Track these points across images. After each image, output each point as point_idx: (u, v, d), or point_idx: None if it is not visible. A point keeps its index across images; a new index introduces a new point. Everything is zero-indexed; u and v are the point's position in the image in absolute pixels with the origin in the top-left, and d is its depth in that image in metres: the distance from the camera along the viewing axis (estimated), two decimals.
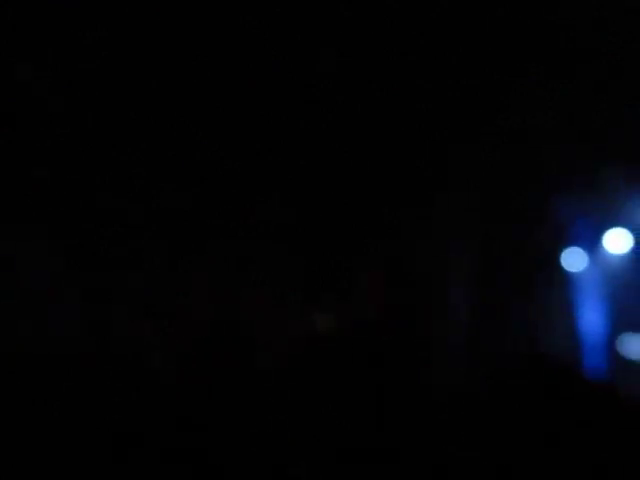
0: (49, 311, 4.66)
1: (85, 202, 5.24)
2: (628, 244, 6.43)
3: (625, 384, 5.98)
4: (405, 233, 6.43)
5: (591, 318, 6.48)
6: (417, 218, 6.45)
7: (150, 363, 3.33)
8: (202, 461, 2.18)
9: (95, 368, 3.00)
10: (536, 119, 5.69)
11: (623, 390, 2.97)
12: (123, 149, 5.30)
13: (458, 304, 6.49)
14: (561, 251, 6.60)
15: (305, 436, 2.18)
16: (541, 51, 5.39)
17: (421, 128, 5.99)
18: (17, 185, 5.08)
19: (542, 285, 6.55)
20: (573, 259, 6.60)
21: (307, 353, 2.57)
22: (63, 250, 5.00)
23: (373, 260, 6.58)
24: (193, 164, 5.70)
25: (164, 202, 5.46)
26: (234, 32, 5.22)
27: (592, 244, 6.55)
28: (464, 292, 6.54)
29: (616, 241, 6.47)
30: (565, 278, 6.63)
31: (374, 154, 6.36)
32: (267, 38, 5.27)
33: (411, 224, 6.45)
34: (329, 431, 2.13)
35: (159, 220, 5.44)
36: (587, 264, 6.57)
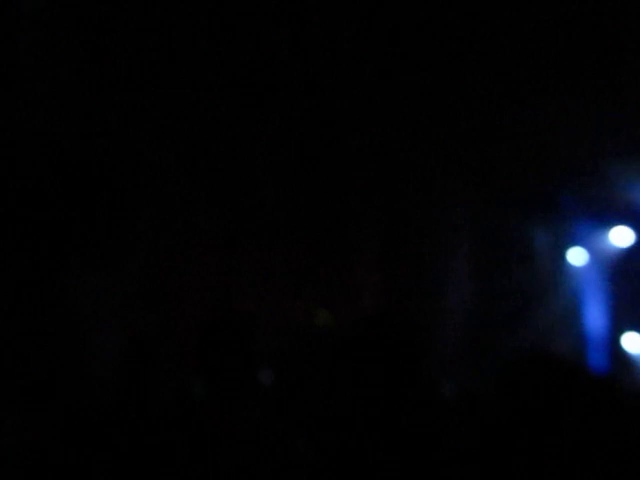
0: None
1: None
2: (633, 239, 6.40)
3: (631, 381, 5.94)
4: (408, 230, 6.40)
5: (596, 314, 6.44)
6: (421, 215, 6.42)
7: (151, 357, 3.26)
8: (200, 459, 2.11)
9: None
10: (542, 115, 5.64)
11: (629, 387, 2.92)
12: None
13: (462, 301, 6.45)
14: (567, 246, 6.58)
15: (304, 434, 2.10)
16: (546, 47, 5.33)
17: (425, 123, 5.95)
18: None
19: (548, 280, 6.52)
20: (579, 254, 6.57)
21: (306, 349, 2.51)
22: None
23: (376, 256, 6.54)
24: (196, 154, 5.64)
25: (165, 197, 5.40)
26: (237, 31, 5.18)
27: (597, 239, 6.52)
28: (468, 288, 6.50)
29: (621, 236, 6.43)
30: (571, 273, 6.60)
31: (377, 150, 6.33)
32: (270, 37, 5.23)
33: (415, 221, 6.41)
34: (328, 430, 2.06)
35: (160, 213, 5.38)
36: (592, 259, 6.54)
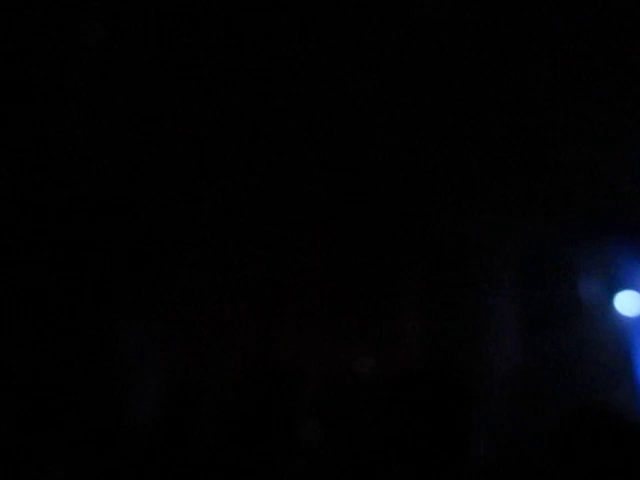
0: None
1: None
2: None
3: None
4: (454, 278, 6.33)
5: None
6: (467, 263, 6.35)
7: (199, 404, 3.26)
8: None
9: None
10: (589, 155, 5.56)
11: None
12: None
13: (511, 351, 6.33)
14: (615, 294, 6.44)
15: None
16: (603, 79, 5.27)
17: (470, 159, 5.90)
18: None
19: (596, 330, 6.38)
20: (628, 303, 6.43)
21: (351, 401, 2.46)
22: None
23: (422, 304, 6.47)
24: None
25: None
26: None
27: None
28: (517, 338, 6.39)
29: None
30: (620, 323, 6.45)
31: (422, 192, 6.29)
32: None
33: (461, 269, 6.35)
34: (361, 475, 2.01)
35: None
36: None
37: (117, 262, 4.78)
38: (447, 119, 5.47)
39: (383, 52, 4.71)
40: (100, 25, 4.09)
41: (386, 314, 6.35)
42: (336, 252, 6.16)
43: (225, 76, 4.92)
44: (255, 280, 5.82)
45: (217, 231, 5.62)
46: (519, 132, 5.56)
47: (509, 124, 5.59)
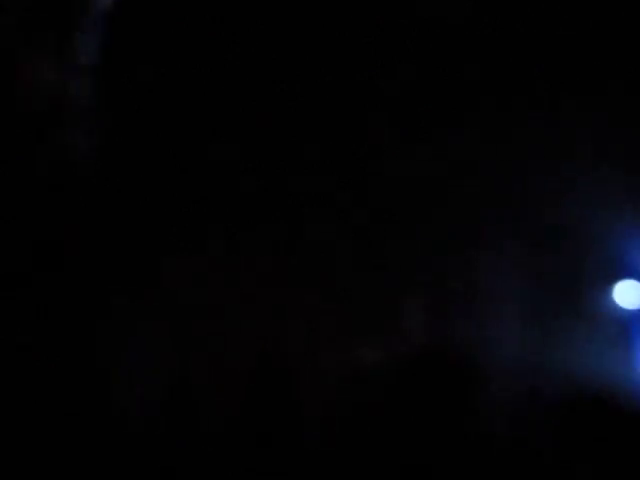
0: None
1: None
2: None
3: None
4: (456, 266, 6.34)
5: None
6: (468, 251, 6.36)
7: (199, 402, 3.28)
8: None
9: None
10: (597, 148, 5.59)
11: None
12: None
13: (512, 338, 6.36)
14: (615, 285, 6.45)
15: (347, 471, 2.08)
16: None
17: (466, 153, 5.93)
18: None
19: (594, 322, 6.40)
20: (628, 294, 6.43)
21: (352, 388, 2.48)
22: None
23: (425, 293, 6.49)
24: None
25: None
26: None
27: None
28: (518, 324, 6.41)
29: None
30: (620, 315, 6.47)
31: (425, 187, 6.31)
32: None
33: (462, 257, 6.36)
34: (371, 469, 2.04)
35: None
36: None
37: (114, 250, 4.79)
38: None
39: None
40: None
41: (387, 301, 6.36)
42: (341, 243, 6.18)
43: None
44: (261, 274, 5.84)
45: (221, 222, 5.64)
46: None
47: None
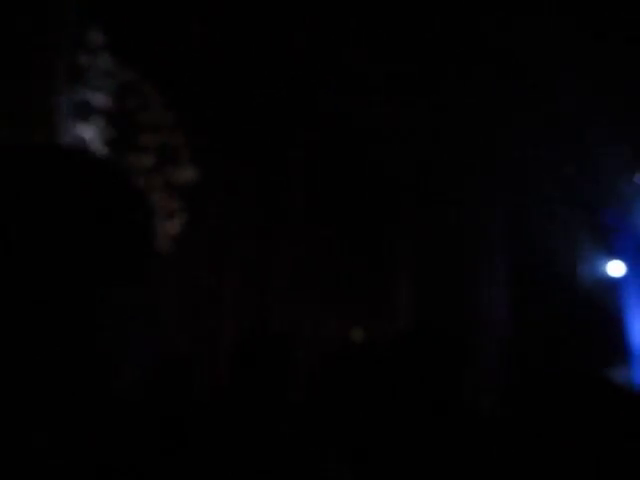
0: None
1: None
2: None
3: None
4: (443, 243, 6.35)
5: (636, 325, 6.35)
6: (456, 228, 6.37)
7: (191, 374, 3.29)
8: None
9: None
10: (584, 128, 5.59)
11: None
12: None
13: (498, 316, 6.38)
14: (606, 259, 6.53)
15: (340, 453, 2.09)
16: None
17: (460, 134, 5.91)
18: None
19: (585, 292, 6.44)
20: (617, 266, 6.52)
21: (343, 366, 2.48)
22: None
23: (411, 271, 6.49)
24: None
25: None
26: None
27: (635, 252, 6.46)
28: (504, 301, 6.43)
29: None
30: (610, 285, 6.53)
31: (412, 165, 6.31)
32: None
33: (450, 234, 6.36)
34: (365, 448, 2.04)
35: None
36: (631, 271, 6.47)
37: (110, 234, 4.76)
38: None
39: None
40: None
41: (376, 281, 6.38)
42: (332, 222, 6.17)
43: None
44: (251, 250, 5.83)
45: (216, 201, 5.64)
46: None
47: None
